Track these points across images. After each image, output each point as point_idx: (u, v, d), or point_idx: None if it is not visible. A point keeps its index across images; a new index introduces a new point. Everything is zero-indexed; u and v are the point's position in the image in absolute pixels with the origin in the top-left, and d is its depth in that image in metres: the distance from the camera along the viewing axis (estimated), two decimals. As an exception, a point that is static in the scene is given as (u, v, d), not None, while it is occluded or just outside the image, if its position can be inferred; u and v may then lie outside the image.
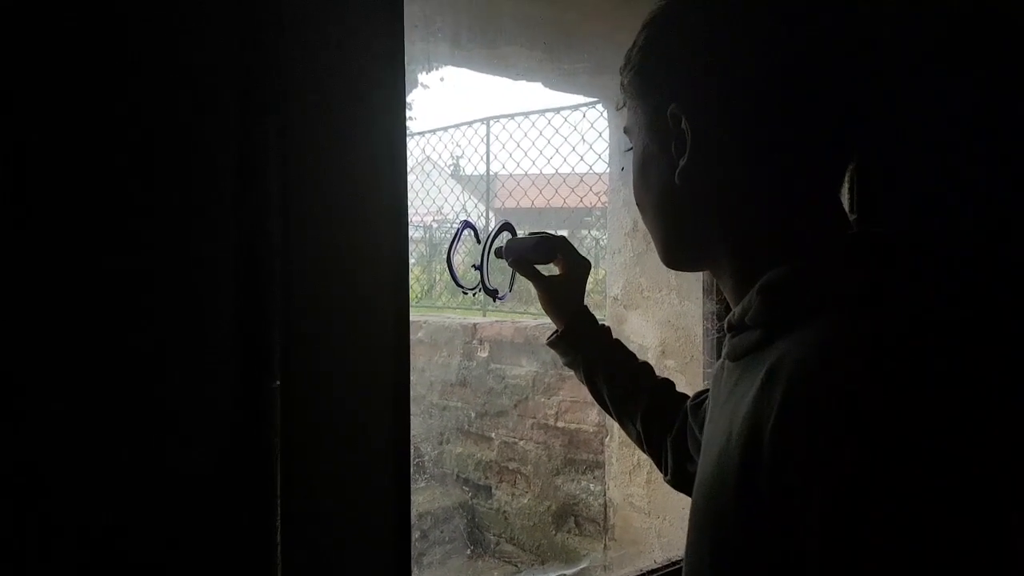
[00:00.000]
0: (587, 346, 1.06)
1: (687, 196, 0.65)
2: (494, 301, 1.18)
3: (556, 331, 1.09)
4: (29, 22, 0.66)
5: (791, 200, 0.62)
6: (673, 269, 0.76)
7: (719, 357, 1.37)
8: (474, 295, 1.17)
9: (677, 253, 0.71)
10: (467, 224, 1.15)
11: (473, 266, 1.13)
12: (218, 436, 0.78)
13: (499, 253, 1.11)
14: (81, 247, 0.69)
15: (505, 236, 1.15)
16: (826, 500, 0.46)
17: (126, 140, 0.72)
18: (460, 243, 1.16)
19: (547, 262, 1.09)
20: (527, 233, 1.12)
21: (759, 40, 0.60)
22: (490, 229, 1.16)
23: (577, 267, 1.08)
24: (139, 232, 0.73)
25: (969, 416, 0.46)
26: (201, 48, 0.76)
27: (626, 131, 0.73)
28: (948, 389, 0.47)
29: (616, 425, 2.22)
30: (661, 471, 0.99)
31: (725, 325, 0.65)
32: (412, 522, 0.93)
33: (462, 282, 1.14)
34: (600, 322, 1.09)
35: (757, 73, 0.60)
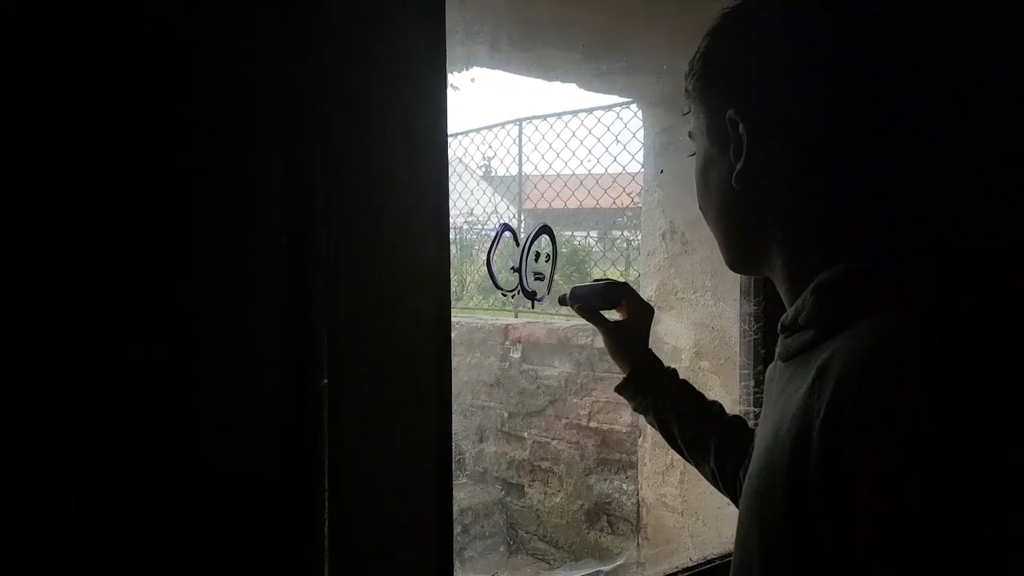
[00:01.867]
0: (655, 389, 1.07)
1: (744, 199, 0.67)
2: (532, 305, 1.20)
3: (624, 377, 1.10)
4: (80, 37, 0.69)
5: (844, 203, 0.63)
6: (737, 272, 0.77)
7: (756, 359, 1.38)
8: (512, 297, 1.19)
9: (738, 255, 0.73)
10: (506, 227, 1.17)
11: (512, 268, 1.15)
12: (267, 433, 0.79)
13: (563, 300, 1.14)
14: (132, 248, 0.71)
15: (545, 241, 1.17)
16: (874, 500, 0.47)
17: (177, 146, 0.73)
18: (498, 246, 1.17)
19: (612, 308, 1.12)
20: (592, 280, 1.15)
21: (815, 49, 0.62)
22: (524, 231, 1.17)
23: (641, 312, 1.10)
24: (190, 234, 0.74)
25: (1013, 417, 0.46)
26: (249, 58, 0.78)
27: (690, 135, 0.75)
28: (999, 394, 0.47)
29: (649, 426, 2.23)
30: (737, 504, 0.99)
31: (778, 327, 0.66)
32: (454, 517, 0.94)
33: (501, 284, 1.16)
34: (668, 366, 1.11)
35: (813, 81, 0.62)
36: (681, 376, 1.09)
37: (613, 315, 1.13)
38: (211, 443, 0.76)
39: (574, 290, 1.13)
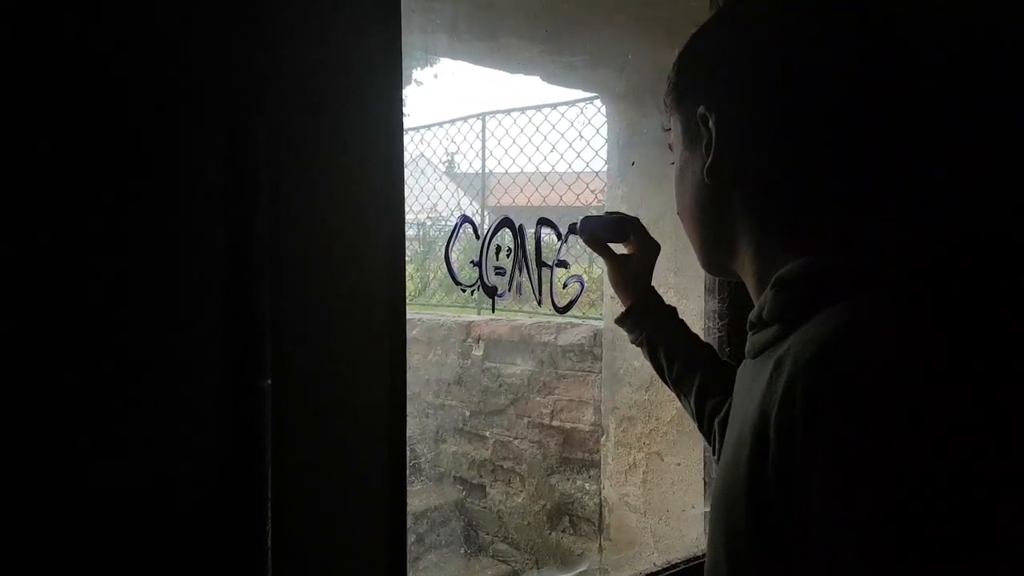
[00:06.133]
0: (652, 324, 1.10)
1: (716, 192, 0.68)
2: (492, 306, 1.18)
3: (624, 309, 1.14)
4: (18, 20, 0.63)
5: (810, 196, 0.64)
6: (711, 274, 0.79)
7: (724, 356, 1.35)
8: (471, 293, 1.16)
9: (711, 254, 0.74)
10: (465, 219, 1.13)
11: (471, 262, 1.11)
12: (207, 437, 0.75)
13: (573, 229, 1.18)
14: (64, 242, 0.67)
15: (508, 235, 1.14)
16: (826, 495, 0.47)
17: (112, 135, 0.70)
18: (457, 239, 1.14)
19: (620, 241, 1.14)
20: (604, 212, 1.17)
21: (780, 45, 0.63)
22: (487, 226, 1.14)
23: (648, 248, 1.13)
24: (123, 229, 0.70)
25: (960, 404, 0.47)
26: (188, 35, 0.73)
27: (670, 148, 0.77)
28: (949, 387, 0.48)
29: (612, 424, 2.21)
30: (712, 452, 1.02)
31: (747, 324, 0.67)
32: (408, 525, 0.90)
33: (460, 279, 1.12)
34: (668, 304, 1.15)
35: (777, 75, 0.63)
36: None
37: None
38: (142, 448, 0.71)
39: (584, 220, 1.15)
